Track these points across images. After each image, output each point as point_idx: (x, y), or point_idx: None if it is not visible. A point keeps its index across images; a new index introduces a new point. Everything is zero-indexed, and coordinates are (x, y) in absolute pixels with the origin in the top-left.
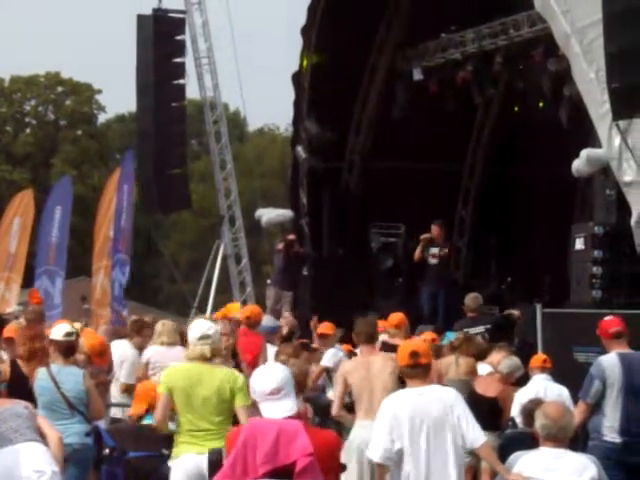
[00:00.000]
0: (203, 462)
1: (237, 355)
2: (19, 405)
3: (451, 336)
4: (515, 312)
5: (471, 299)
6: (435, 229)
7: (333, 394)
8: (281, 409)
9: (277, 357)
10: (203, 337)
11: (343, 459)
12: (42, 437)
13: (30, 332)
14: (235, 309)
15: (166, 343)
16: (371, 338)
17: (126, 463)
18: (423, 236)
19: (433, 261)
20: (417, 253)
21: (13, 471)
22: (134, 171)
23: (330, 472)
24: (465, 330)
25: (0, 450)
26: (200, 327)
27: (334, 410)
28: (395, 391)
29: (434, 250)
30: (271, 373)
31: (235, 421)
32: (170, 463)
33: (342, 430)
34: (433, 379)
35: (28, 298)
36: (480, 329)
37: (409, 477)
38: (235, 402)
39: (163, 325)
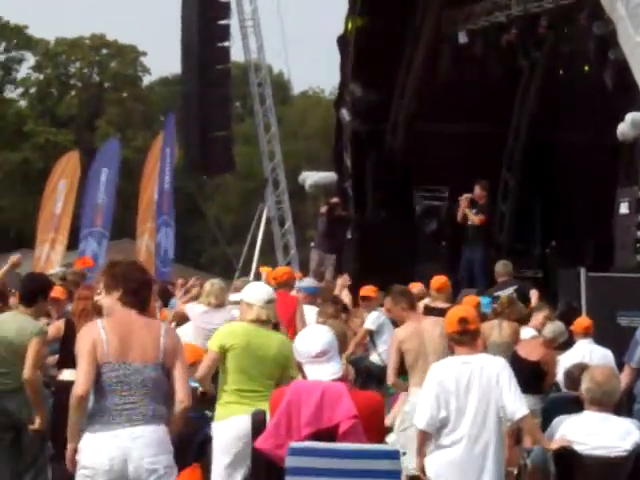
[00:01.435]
0: None
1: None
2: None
3: (485, 301)
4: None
5: (501, 265)
6: (477, 189)
7: (388, 362)
8: (327, 372)
9: (317, 318)
10: (270, 301)
11: (399, 427)
12: None
13: (86, 292)
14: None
15: (213, 304)
16: (413, 304)
17: None
18: (463, 197)
19: (471, 223)
20: (459, 214)
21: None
22: (177, 134)
23: (374, 434)
24: (495, 294)
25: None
26: (265, 291)
27: (389, 378)
28: (445, 355)
29: (473, 212)
30: (316, 336)
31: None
32: (216, 423)
33: (385, 392)
34: (480, 345)
35: (76, 263)
36: (509, 291)
37: (449, 444)
38: (286, 370)
39: (212, 285)
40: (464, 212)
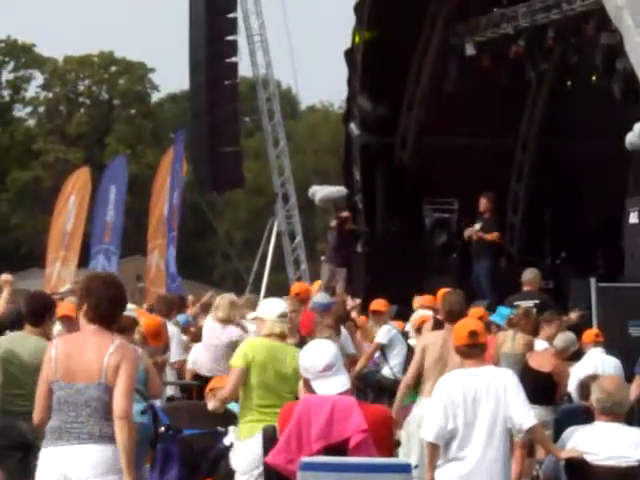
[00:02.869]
0: None
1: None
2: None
3: (504, 311)
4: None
5: (528, 273)
6: (483, 202)
7: (410, 364)
8: (335, 385)
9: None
10: (282, 315)
11: (404, 436)
12: None
13: None
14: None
15: (220, 318)
16: (461, 315)
17: (181, 441)
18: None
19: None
20: (465, 235)
21: None
22: (185, 150)
23: (384, 447)
24: (515, 304)
25: None
26: (279, 305)
27: (408, 379)
28: None
29: (477, 226)
30: (321, 350)
31: None
32: (239, 443)
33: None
34: (487, 359)
35: None
36: (529, 304)
37: (460, 457)
38: None
39: (221, 299)
40: (470, 235)
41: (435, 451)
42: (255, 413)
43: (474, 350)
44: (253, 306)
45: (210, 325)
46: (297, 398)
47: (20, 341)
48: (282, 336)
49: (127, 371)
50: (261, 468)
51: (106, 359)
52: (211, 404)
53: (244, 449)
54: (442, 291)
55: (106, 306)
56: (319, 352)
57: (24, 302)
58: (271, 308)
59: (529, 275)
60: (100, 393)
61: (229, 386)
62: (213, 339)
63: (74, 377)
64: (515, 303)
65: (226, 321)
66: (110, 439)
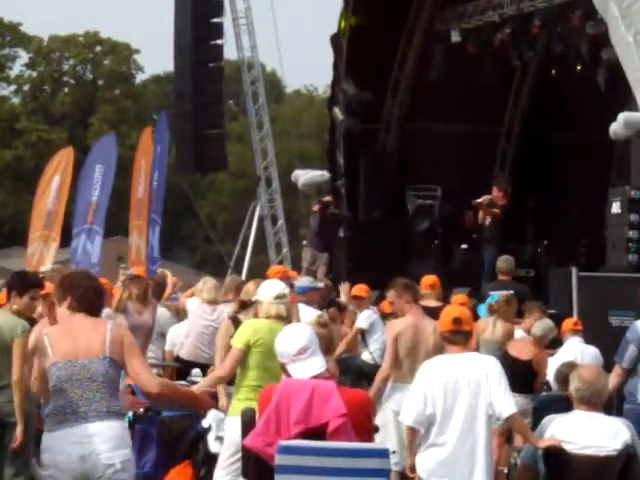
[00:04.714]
0: None
1: None
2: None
3: (495, 298)
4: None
5: (502, 261)
6: (495, 190)
7: (385, 355)
8: (310, 368)
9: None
10: (279, 297)
11: (379, 421)
12: None
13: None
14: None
15: (206, 300)
16: (416, 298)
17: (160, 422)
18: (483, 198)
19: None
20: (480, 217)
21: None
22: (170, 131)
23: (363, 432)
24: (491, 293)
25: None
26: (276, 287)
27: (385, 370)
28: None
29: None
30: (295, 334)
31: None
32: (231, 418)
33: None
34: (472, 346)
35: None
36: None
37: (439, 442)
38: None
39: (204, 283)
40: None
41: (415, 436)
42: (250, 392)
43: (457, 337)
44: (236, 288)
45: (198, 306)
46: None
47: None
48: (279, 317)
49: (135, 347)
50: None
51: (108, 334)
52: (203, 382)
53: (233, 425)
54: (426, 277)
55: (92, 296)
56: (293, 336)
57: (11, 278)
58: (267, 290)
59: (504, 264)
60: (107, 367)
61: (227, 366)
62: (201, 320)
63: (76, 355)
64: (490, 293)
65: (213, 302)
66: (117, 414)
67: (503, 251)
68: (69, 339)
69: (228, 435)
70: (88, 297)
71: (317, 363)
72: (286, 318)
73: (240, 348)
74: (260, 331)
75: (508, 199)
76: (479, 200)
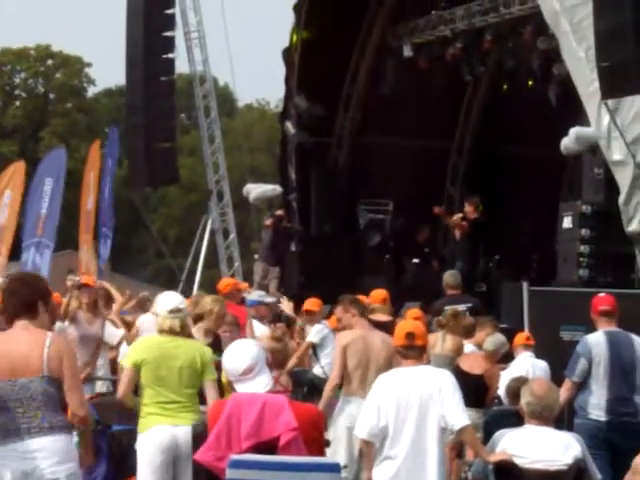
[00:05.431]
0: (179, 433)
1: None
2: None
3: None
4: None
5: (449, 276)
6: (467, 206)
7: (333, 365)
8: (256, 387)
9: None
10: (173, 311)
11: (331, 435)
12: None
13: None
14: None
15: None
16: (363, 313)
17: (110, 436)
18: (455, 217)
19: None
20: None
21: None
22: (121, 145)
23: (314, 446)
24: (446, 308)
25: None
26: (171, 300)
27: (334, 379)
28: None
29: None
30: (241, 353)
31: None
32: (139, 435)
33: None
34: (425, 360)
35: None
36: (462, 307)
37: (392, 456)
38: (203, 376)
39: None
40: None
41: (370, 449)
42: (154, 408)
43: (411, 351)
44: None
45: (152, 321)
46: (200, 392)
47: None
48: (172, 332)
49: (70, 365)
50: (161, 460)
51: (45, 352)
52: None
53: (142, 443)
54: (376, 291)
55: (19, 303)
56: (239, 355)
57: None
58: (162, 304)
59: (451, 278)
60: (46, 386)
61: (121, 386)
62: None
63: (14, 373)
64: (446, 308)
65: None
66: (61, 428)
67: (453, 265)
68: (8, 355)
69: (140, 453)
70: (11, 305)
71: (262, 382)
72: (180, 332)
73: (128, 367)
74: (148, 349)
75: (480, 213)
76: (454, 218)
